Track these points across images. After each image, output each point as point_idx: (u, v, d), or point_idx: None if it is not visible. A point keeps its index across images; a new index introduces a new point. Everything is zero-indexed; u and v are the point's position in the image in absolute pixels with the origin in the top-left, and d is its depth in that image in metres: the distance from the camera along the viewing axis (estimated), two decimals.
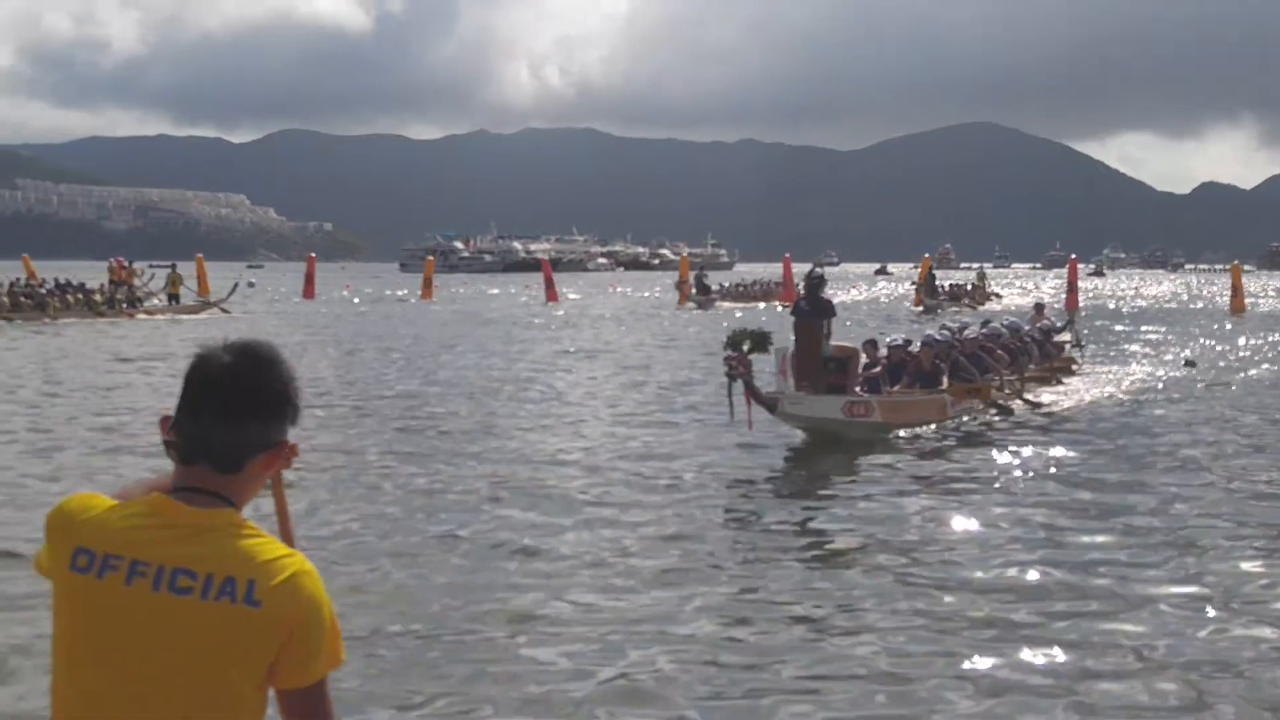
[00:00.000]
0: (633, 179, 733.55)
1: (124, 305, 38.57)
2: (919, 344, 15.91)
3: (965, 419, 15.18)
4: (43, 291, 37.96)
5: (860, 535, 9.08)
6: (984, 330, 17.95)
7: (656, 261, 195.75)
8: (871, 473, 11.76)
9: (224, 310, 42.62)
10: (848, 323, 32.71)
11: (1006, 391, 16.85)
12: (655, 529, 9.14)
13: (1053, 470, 11.79)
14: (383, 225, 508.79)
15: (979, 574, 7.85)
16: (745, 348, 12.44)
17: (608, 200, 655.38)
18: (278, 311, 46.82)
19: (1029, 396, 17.36)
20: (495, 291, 74.45)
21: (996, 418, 15.69)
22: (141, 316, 38.23)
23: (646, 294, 59.62)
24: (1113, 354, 26.79)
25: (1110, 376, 21.37)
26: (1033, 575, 7.82)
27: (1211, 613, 7.01)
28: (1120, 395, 18.73)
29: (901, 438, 13.74)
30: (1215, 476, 11.52)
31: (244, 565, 1.97)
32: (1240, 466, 12.11)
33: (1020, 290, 76.27)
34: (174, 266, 45.57)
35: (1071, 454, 12.79)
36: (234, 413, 2.03)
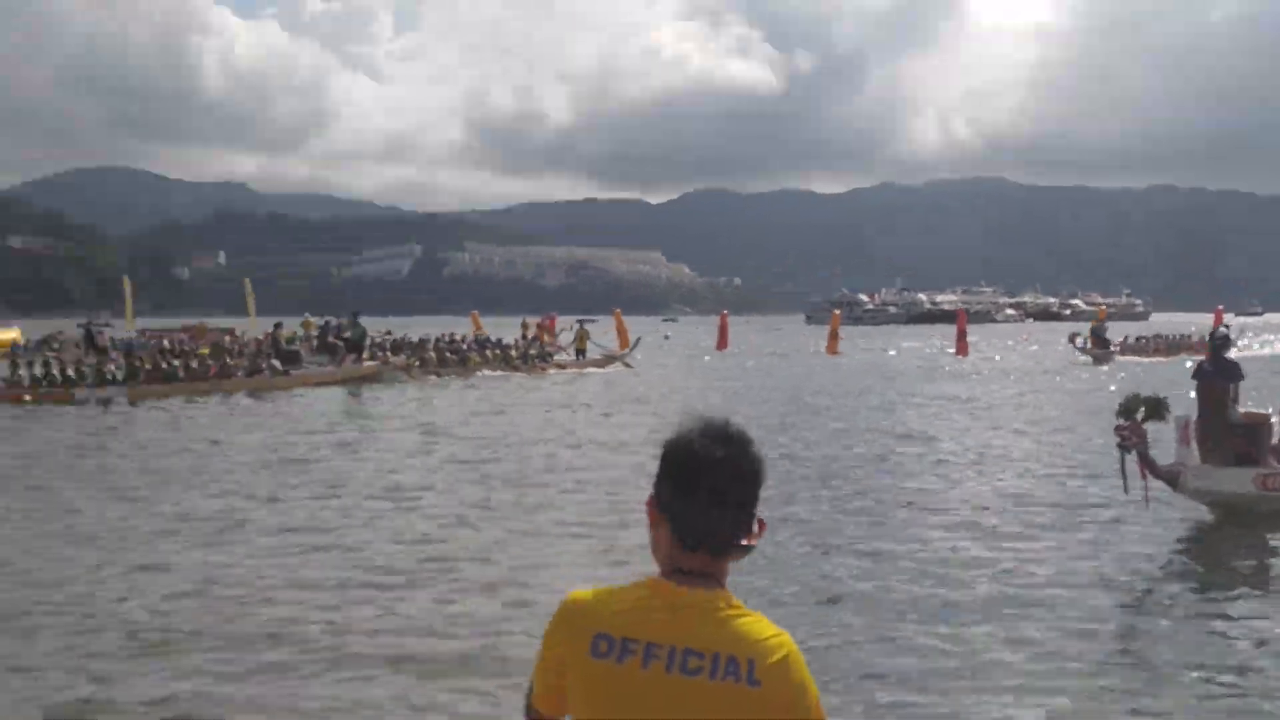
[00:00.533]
0: (1041, 228, 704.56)
1: (536, 360, 40.97)
2: None
3: None
4: (464, 348, 40.97)
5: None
6: None
7: (1068, 312, 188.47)
8: None
9: (627, 365, 44.18)
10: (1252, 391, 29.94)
11: None
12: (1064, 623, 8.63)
13: None
14: (788, 279, 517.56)
15: None
16: (1139, 416, 11.36)
17: (1015, 250, 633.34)
18: (690, 365, 49.55)
19: None
20: (901, 346, 74.64)
21: None
22: (552, 371, 40.58)
23: (1060, 347, 57.39)
24: None
25: None
26: None
27: None
28: None
29: None
30: None
31: (744, 645, 2.07)
32: None
33: None
34: (580, 323, 48.13)
35: None
36: (731, 503, 2.15)
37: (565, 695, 2.16)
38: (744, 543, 2.16)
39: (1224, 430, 12.58)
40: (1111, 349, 51.78)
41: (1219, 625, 8.64)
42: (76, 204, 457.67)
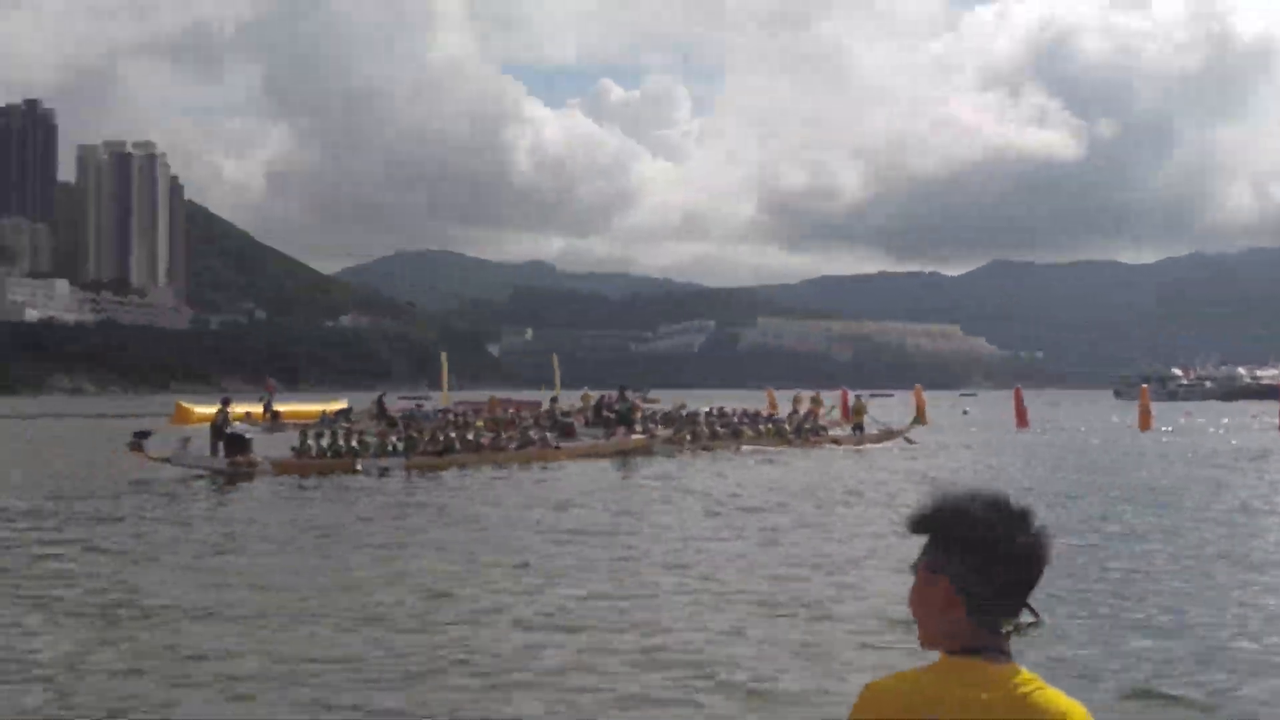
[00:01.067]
0: None
1: (809, 434, 40.69)
2: None
3: None
4: (735, 421, 40.78)
5: None
6: None
7: None
8: None
9: (910, 441, 42.47)
10: None
11: None
12: None
13: None
14: (1093, 352, 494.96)
15: None
16: None
17: None
18: (990, 442, 48.47)
19: None
20: (1218, 420, 71.50)
21: None
22: (828, 445, 39.93)
23: None
24: None
25: None
26: None
27: None
28: None
29: None
30: None
31: (1047, 718, 2.12)
32: None
33: None
34: (859, 396, 46.75)
35: None
36: (1028, 587, 2.25)
37: None
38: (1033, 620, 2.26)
39: None
40: None
41: None
42: (397, 285, 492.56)
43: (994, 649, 2.21)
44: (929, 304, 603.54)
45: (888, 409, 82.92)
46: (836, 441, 40.90)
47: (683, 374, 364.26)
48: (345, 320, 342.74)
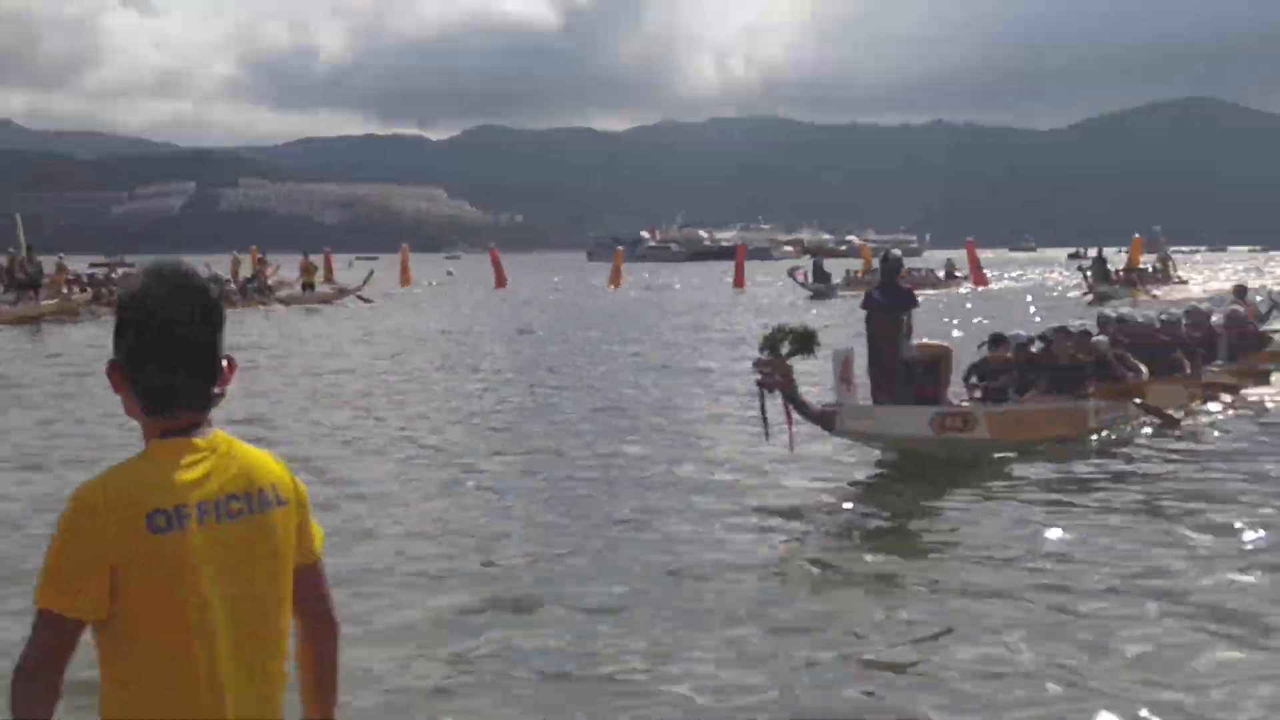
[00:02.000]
0: (820, 166, 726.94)
1: (256, 296, 38.96)
2: (1049, 337, 13.01)
3: (1113, 434, 12.21)
4: None
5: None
6: (1155, 317, 15.01)
7: (844, 248, 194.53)
8: (958, 502, 9.36)
9: (364, 300, 41.14)
10: (976, 322, 29.42)
11: (1178, 394, 13.35)
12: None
13: (1196, 504, 9.15)
14: (571, 216, 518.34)
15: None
16: (784, 350, 9.70)
17: (795, 188, 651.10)
18: (472, 302, 48.01)
19: (1210, 402, 13.91)
20: (680, 278, 75.42)
21: (1159, 432, 12.36)
22: (277, 307, 38.36)
23: (781, 282, 54.05)
24: None
25: None
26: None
27: None
28: None
29: (1020, 457, 10.96)
30: None
31: (262, 473, 2.20)
32: None
33: (1231, 276, 72.81)
34: (305, 254, 45.10)
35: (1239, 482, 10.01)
36: (200, 365, 2.16)
37: (104, 593, 2.06)
38: (217, 390, 2.19)
39: (896, 366, 11.09)
40: (834, 284, 48.56)
41: (875, 590, 7.18)
42: None
43: (194, 424, 2.16)
44: (415, 167, 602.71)
45: (377, 271, 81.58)
46: (284, 302, 39.52)
47: (162, 237, 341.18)
48: None
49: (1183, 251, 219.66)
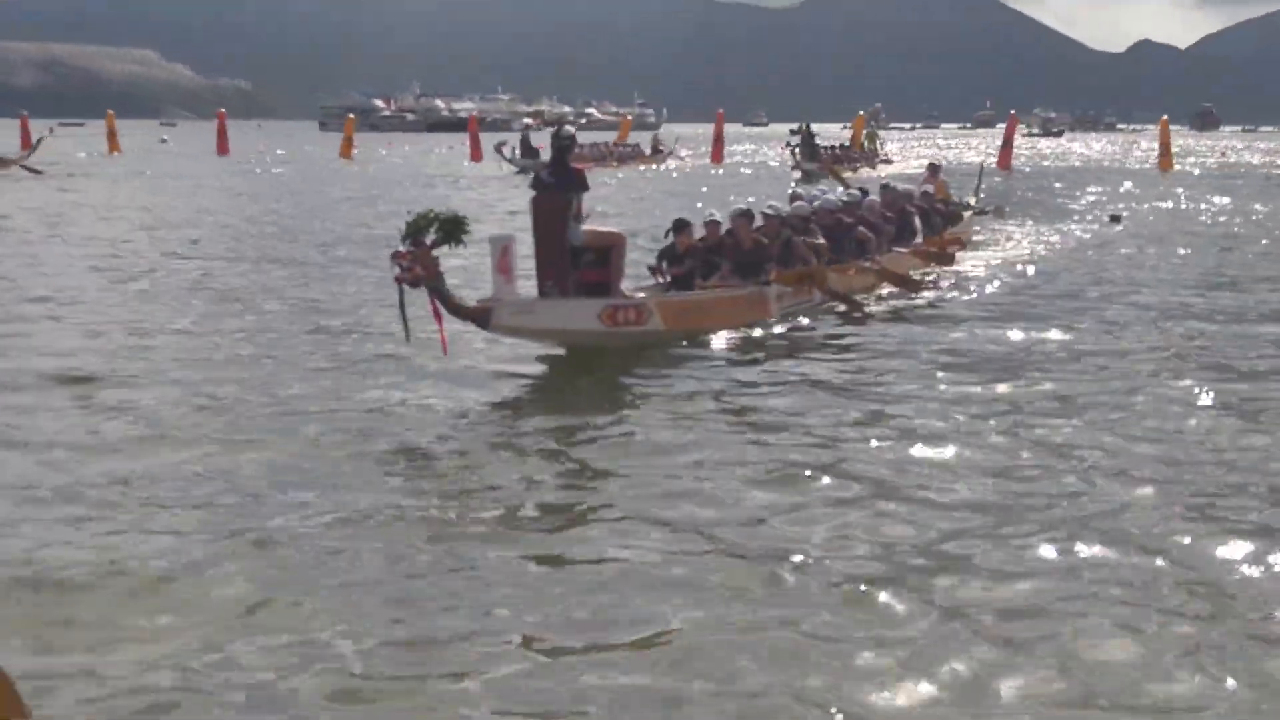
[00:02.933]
0: (557, 37, 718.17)
1: None
2: (733, 218, 12.13)
3: (803, 319, 11.63)
4: None
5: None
6: (839, 197, 14.58)
7: (584, 121, 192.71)
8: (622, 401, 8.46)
9: (31, 170, 36.89)
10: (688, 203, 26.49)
11: (861, 274, 13.21)
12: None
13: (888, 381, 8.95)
14: (301, 83, 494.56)
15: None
16: (429, 238, 8.37)
17: (531, 59, 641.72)
18: (193, 172, 44.49)
19: (897, 281, 13.58)
20: (415, 149, 72.91)
21: (843, 312, 12.04)
22: None
23: (493, 160, 48.04)
24: (1035, 216, 24.54)
25: (1023, 242, 19.25)
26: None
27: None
28: (1030, 260, 16.57)
29: (697, 348, 10.24)
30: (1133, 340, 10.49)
31: None
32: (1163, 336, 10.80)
33: (942, 151, 75.30)
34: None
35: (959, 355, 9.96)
36: None
37: None
38: None
39: (564, 254, 10.09)
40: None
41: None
42: None
43: None
44: (123, 26, 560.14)
45: (82, 140, 74.63)
46: None
47: None
48: None
49: (904, 128, 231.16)
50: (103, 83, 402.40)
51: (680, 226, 12.06)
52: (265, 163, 52.63)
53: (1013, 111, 53.35)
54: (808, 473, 6.55)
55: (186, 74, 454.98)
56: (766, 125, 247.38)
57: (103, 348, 10.27)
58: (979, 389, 8.63)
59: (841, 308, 12.18)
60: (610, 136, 68.67)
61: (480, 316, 9.06)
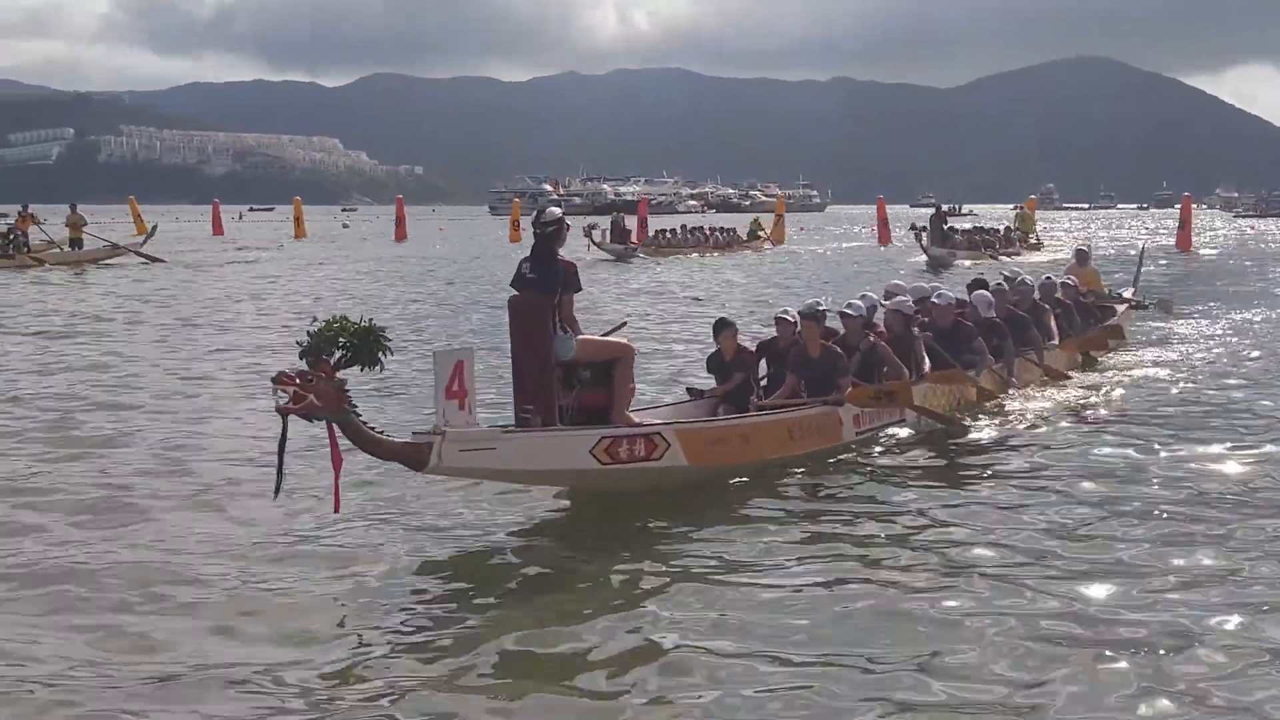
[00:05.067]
0: (724, 120, 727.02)
1: (12, 251, 34.57)
2: (802, 319, 9.93)
3: (886, 445, 9.60)
4: None
5: None
6: (938, 297, 11.67)
7: (747, 203, 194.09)
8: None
9: (146, 257, 36.72)
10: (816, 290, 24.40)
11: (963, 384, 10.88)
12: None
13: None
14: (473, 168, 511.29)
15: None
16: (336, 356, 6.42)
17: (698, 142, 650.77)
18: (372, 256, 46.07)
19: (1019, 391, 11.65)
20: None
21: (941, 434, 9.93)
22: (43, 267, 34.17)
23: (587, 247, 42.97)
24: (1213, 310, 20.53)
25: (1194, 342, 15.88)
26: None
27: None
28: (1199, 364, 13.67)
29: (744, 486, 8.28)
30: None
31: None
32: None
33: (1122, 232, 72.68)
34: (73, 206, 39.91)
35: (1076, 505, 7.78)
36: None
37: None
38: None
39: (547, 371, 7.91)
40: (632, 245, 43.32)
41: None
42: None
43: None
44: (308, 116, 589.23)
45: (269, 224, 78.65)
46: (40, 261, 34.88)
47: (40, 187, 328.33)
48: None
49: (1080, 208, 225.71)
50: (289, 169, 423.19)
51: (721, 327, 10.07)
52: (436, 248, 54.23)
53: (1186, 193, 50.49)
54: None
55: (366, 161, 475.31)
56: (935, 205, 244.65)
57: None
58: (1114, 534, 7.07)
59: (939, 429, 10.05)
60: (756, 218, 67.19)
61: (414, 455, 6.74)
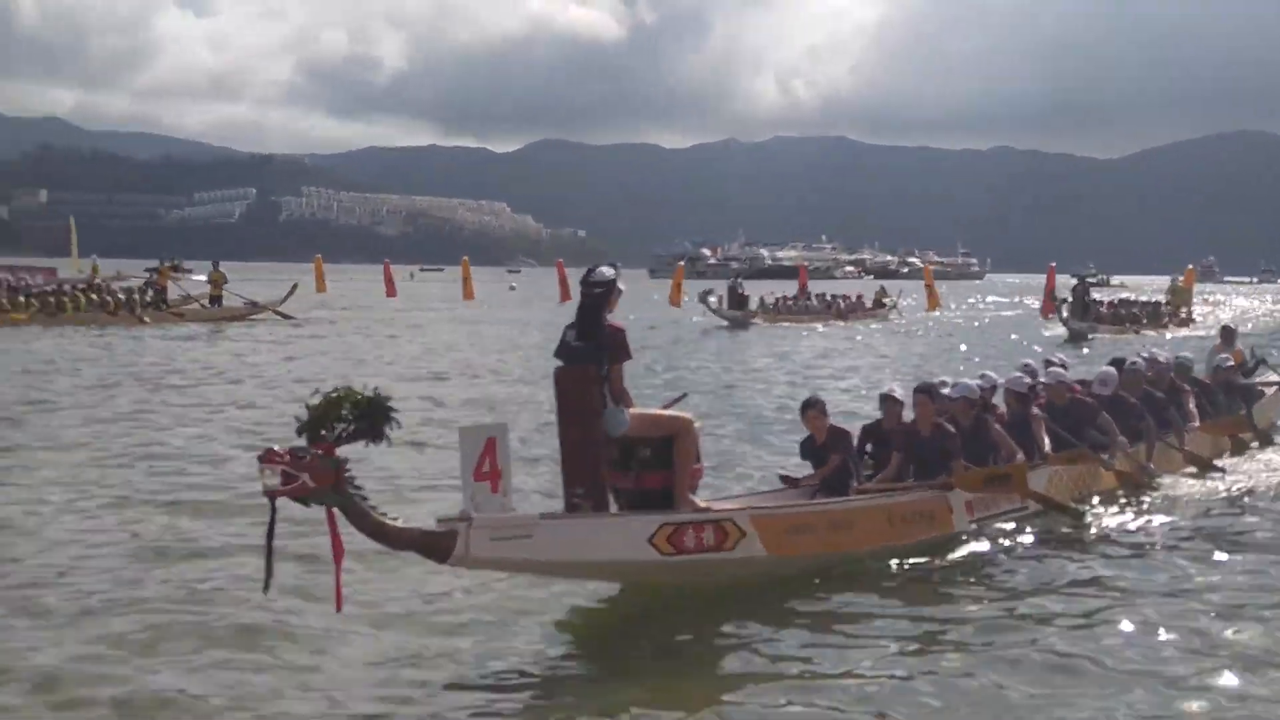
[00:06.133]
0: (882, 187, 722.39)
1: (149, 307, 35.52)
2: (915, 396, 9.41)
3: (1001, 536, 8.75)
4: (44, 290, 35.93)
5: None
6: (1048, 373, 11.22)
7: (905, 270, 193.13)
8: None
9: (283, 315, 37.05)
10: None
11: (1085, 467, 9.97)
12: None
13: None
14: (634, 232, 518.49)
15: None
16: (337, 431, 5.71)
17: (856, 208, 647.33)
18: (537, 315, 47.17)
19: (1158, 477, 10.72)
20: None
21: (1061, 523, 9.13)
22: (182, 321, 35.19)
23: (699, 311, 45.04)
24: None
25: None
26: None
27: None
28: None
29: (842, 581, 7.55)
30: None
31: None
32: None
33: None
34: (215, 264, 40.22)
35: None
36: None
37: None
38: None
39: (596, 449, 7.06)
40: (751, 310, 42.61)
41: None
42: None
43: None
44: (477, 180, 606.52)
45: (438, 283, 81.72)
46: (179, 315, 35.97)
47: (220, 244, 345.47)
48: None
49: (1245, 282, 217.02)
50: (458, 231, 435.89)
51: (805, 408, 9.30)
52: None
53: None
54: None
55: (532, 224, 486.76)
56: (1096, 277, 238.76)
57: None
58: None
59: (1061, 518, 9.22)
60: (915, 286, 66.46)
61: (436, 544, 6.07)
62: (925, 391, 9.31)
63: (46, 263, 77.72)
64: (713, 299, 41.49)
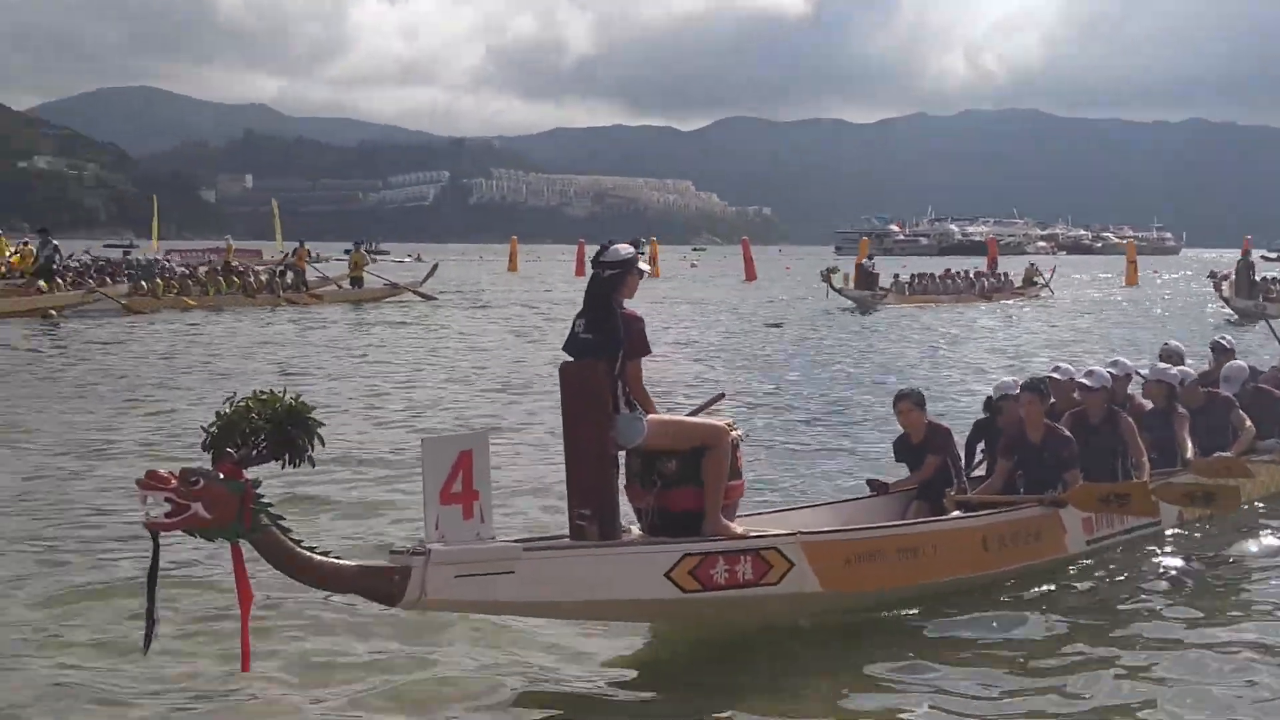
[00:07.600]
0: (1074, 161, 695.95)
1: (288, 289, 35.62)
2: (1024, 392, 7.83)
3: (1117, 562, 7.49)
4: (185, 273, 36.19)
5: None
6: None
7: (1099, 245, 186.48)
8: None
9: (424, 296, 37.28)
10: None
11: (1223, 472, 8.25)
12: None
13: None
14: (819, 208, 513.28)
15: None
16: (246, 448, 4.64)
17: (1047, 182, 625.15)
18: (714, 300, 47.03)
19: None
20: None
21: (1218, 554, 7.77)
22: (315, 303, 35.15)
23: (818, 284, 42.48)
24: None
25: None
26: None
27: None
28: None
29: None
30: None
31: None
32: None
33: None
34: (358, 244, 40.87)
35: None
36: None
37: None
38: None
39: (607, 463, 5.92)
40: (881, 290, 39.30)
41: None
42: (98, 124, 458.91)
43: None
44: (664, 158, 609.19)
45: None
46: (318, 297, 35.97)
47: (415, 226, 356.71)
48: (41, 162, 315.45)
49: None
50: (643, 210, 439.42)
51: (898, 400, 8.09)
52: (786, 288, 55.32)
53: None
54: None
55: (717, 202, 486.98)
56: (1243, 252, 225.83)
57: None
58: None
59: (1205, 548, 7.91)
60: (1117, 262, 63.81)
61: (379, 585, 4.95)
62: (1034, 390, 7.76)
63: (252, 245, 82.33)
64: (837, 278, 38.41)
